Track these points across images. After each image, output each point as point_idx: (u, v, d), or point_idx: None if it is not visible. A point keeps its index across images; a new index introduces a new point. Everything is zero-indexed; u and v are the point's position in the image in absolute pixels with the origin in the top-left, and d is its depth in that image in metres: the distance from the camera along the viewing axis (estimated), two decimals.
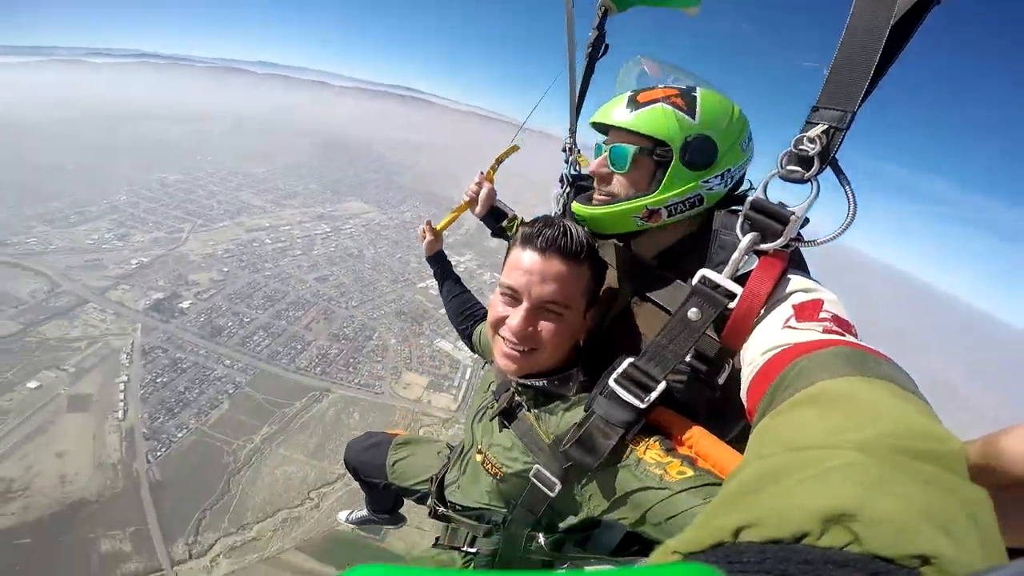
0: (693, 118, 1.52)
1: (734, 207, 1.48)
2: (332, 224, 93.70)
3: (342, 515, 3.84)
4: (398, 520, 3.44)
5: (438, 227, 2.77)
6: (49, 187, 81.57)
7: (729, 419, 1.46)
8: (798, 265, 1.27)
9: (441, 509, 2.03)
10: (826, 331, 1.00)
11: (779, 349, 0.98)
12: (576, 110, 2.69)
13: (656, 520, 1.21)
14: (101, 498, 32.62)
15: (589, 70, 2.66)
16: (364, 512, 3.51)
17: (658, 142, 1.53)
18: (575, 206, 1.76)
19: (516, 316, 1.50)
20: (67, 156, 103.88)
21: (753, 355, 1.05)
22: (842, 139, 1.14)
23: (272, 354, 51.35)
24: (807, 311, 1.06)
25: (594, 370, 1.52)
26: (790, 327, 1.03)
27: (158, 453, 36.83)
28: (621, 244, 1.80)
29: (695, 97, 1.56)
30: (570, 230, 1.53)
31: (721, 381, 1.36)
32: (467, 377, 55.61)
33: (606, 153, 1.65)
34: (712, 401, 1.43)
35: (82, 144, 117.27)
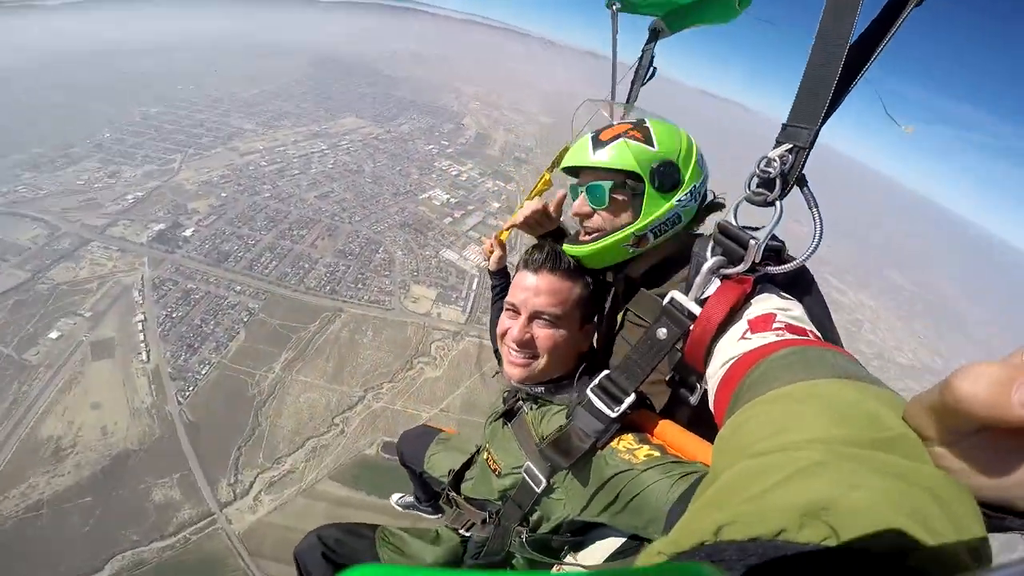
0: (652, 147, 1.68)
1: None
2: (328, 141, 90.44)
3: (394, 497, 4.26)
4: (438, 511, 3.68)
5: (503, 235, 2.75)
6: (28, 133, 79.06)
7: (708, 431, 1.60)
8: (793, 282, 1.32)
9: (452, 494, 2.29)
10: (779, 336, 1.04)
11: (735, 359, 1.04)
12: None
13: (626, 499, 1.35)
14: (143, 446, 33.02)
15: (634, 95, 2.69)
16: (411, 499, 3.95)
17: (628, 174, 1.69)
18: (566, 247, 1.85)
19: (515, 327, 1.76)
20: (39, 101, 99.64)
21: (714, 369, 1.12)
22: (805, 159, 1.16)
23: (281, 275, 51.13)
24: (760, 324, 1.10)
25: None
26: (745, 339, 1.09)
27: (186, 393, 36.89)
28: (615, 272, 1.95)
29: (648, 128, 1.73)
30: (558, 252, 1.80)
31: (694, 401, 1.53)
32: (474, 287, 55.51)
33: (583, 193, 1.80)
34: (691, 414, 1.61)
35: (53, 87, 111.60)
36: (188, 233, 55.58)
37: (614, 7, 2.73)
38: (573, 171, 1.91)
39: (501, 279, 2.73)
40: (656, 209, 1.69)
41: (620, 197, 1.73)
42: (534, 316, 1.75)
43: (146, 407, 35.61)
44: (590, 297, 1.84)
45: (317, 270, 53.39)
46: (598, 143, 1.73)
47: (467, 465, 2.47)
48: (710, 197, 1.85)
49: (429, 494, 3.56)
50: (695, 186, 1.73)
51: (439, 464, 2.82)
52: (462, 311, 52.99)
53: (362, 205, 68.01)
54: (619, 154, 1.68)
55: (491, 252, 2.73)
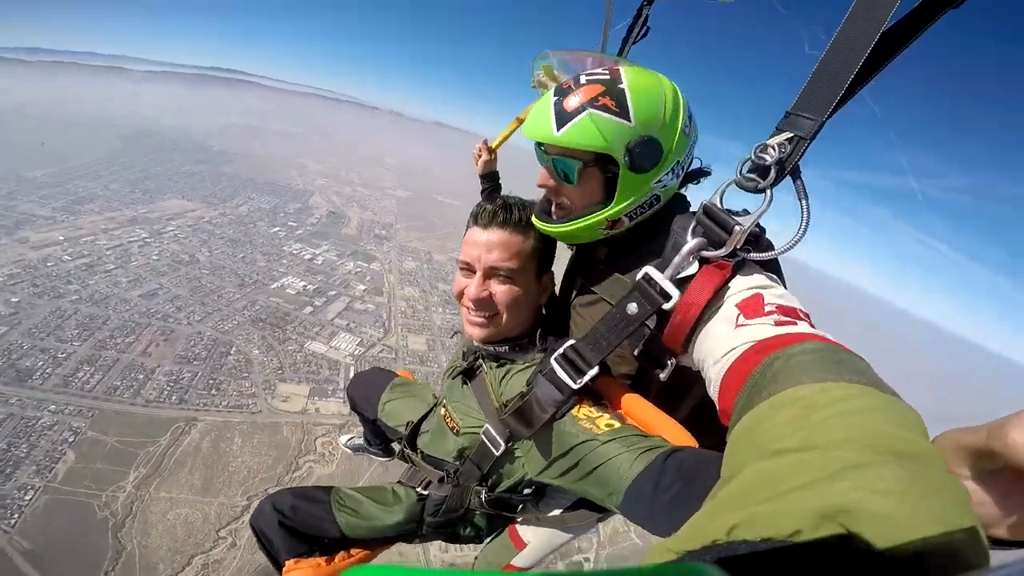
0: (628, 120, 1.49)
1: (694, 210, 1.48)
2: (149, 228, 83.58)
3: (342, 439, 4.19)
4: (389, 453, 3.70)
5: (494, 145, 3.00)
6: None
7: (677, 405, 1.69)
8: (767, 267, 1.35)
9: (408, 452, 2.38)
10: (778, 323, 1.07)
11: (742, 348, 1.06)
12: None
13: (587, 469, 1.41)
14: None
15: (622, 55, 2.63)
16: (361, 441, 3.86)
17: (599, 155, 1.54)
18: (535, 221, 1.80)
19: (472, 285, 1.79)
20: None
21: (715, 356, 1.14)
22: (804, 150, 1.19)
23: (109, 390, 45.96)
24: (751, 307, 1.14)
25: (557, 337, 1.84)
26: (742, 325, 1.12)
27: (11, 521, 33.87)
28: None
29: (623, 91, 1.51)
30: (508, 204, 1.82)
31: (664, 377, 1.50)
32: (351, 376, 53.09)
33: (549, 165, 1.67)
34: (661, 386, 1.63)
35: None
36: None
37: None
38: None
39: (489, 182, 3.01)
40: (632, 192, 1.57)
41: (592, 176, 1.61)
42: (490, 273, 1.77)
43: None
44: (544, 247, 1.87)
45: (156, 380, 48.59)
46: (562, 114, 1.53)
47: (423, 417, 2.48)
48: (695, 164, 1.77)
49: (381, 438, 3.49)
50: (679, 160, 1.60)
51: (396, 413, 2.78)
52: (343, 402, 50.68)
53: (201, 302, 63.43)
54: (585, 132, 1.49)
55: (479, 156, 3.01)
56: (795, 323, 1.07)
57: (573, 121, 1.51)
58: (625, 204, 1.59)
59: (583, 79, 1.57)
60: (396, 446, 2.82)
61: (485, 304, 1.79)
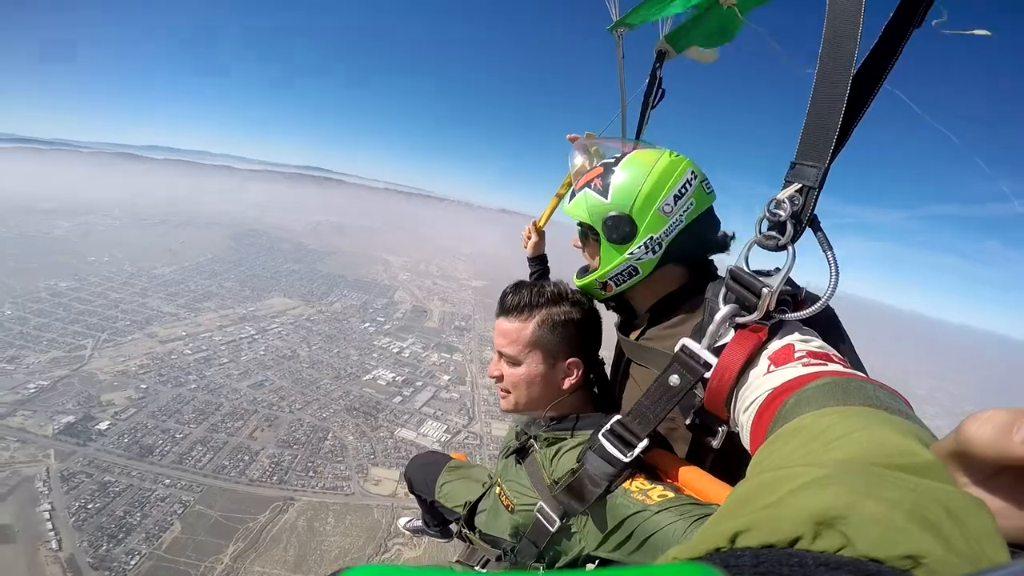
0: (605, 199, 1.84)
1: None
2: (257, 325, 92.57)
3: (401, 521, 4.28)
4: (447, 535, 3.73)
5: (540, 223, 3.07)
6: None
7: (736, 472, 1.64)
8: (820, 322, 1.34)
9: (465, 531, 2.43)
10: (806, 365, 1.09)
11: (765, 395, 1.08)
12: None
13: (640, 539, 1.45)
14: None
15: (643, 120, 2.86)
16: (419, 523, 3.92)
17: (588, 225, 1.93)
18: (575, 280, 2.13)
19: (491, 363, 2.12)
20: None
21: (744, 406, 1.17)
22: (815, 200, 1.19)
23: (217, 468, 51.34)
24: (781, 357, 1.16)
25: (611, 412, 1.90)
26: (771, 373, 1.13)
27: None
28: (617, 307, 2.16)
29: (613, 174, 1.86)
30: (518, 290, 2.03)
31: (716, 444, 1.51)
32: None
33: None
34: (715, 458, 1.70)
35: None
36: (103, 427, 54.82)
37: (618, 31, 2.85)
38: None
39: (538, 265, 3.12)
40: (610, 260, 1.87)
41: (590, 242, 1.99)
42: (500, 355, 2.03)
43: None
44: (557, 333, 1.95)
45: (259, 461, 53.70)
46: (573, 192, 1.99)
47: (481, 496, 2.55)
48: (719, 232, 1.93)
49: (439, 519, 3.54)
50: (653, 236, 1.79)
51: (452, 494, 2.87)
52: None
53: (301, 392, 69.37)
54: (576, 206, 1.92)
55: (528, 238, 3.10)
56: (825, 364, 1.08)
57: (575, 197, 1.96)
58: (606, 270, 1.89)
59: (599, 163, 2.01)
60: (453, 527, 2.92)
61: (499, 381, 2.06)
